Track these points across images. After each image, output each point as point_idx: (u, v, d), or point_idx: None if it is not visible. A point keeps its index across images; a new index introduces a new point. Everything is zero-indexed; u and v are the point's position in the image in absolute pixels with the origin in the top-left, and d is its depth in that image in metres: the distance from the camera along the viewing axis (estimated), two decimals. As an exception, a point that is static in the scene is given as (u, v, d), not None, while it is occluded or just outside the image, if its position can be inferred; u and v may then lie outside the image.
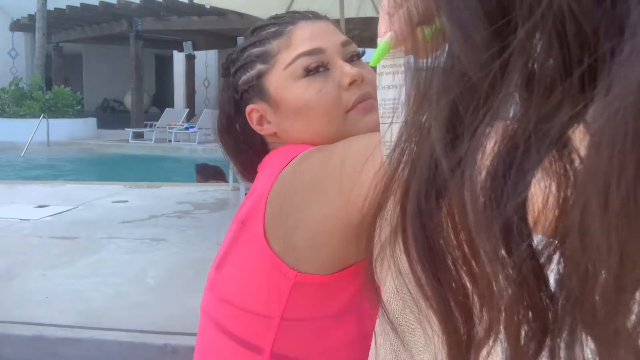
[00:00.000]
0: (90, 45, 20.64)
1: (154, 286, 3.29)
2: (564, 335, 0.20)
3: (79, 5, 14.05)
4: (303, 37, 0.83)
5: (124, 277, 3.40)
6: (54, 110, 13.78)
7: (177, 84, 19.30)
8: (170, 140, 14.02)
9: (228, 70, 0.92)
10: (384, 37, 0.37)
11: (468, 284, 0.23)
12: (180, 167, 10.67)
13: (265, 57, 0.85)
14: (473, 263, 0.22)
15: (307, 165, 0.76)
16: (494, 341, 0.21)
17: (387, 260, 0.27)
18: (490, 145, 0.20)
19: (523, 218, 0.19)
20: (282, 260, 0.75)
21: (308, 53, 0.82)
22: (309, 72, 0.82)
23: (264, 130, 0.88)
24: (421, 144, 0.22)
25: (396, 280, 0.27)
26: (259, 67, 0.86)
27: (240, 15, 11.05)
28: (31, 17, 15.97)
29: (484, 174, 0.20)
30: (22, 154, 11.49)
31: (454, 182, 0.21)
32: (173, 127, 14.18)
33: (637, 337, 0.18)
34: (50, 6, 14.73)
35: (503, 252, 0.20)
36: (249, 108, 0.88)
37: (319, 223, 0.72)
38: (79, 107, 14.90)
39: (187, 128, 14.23)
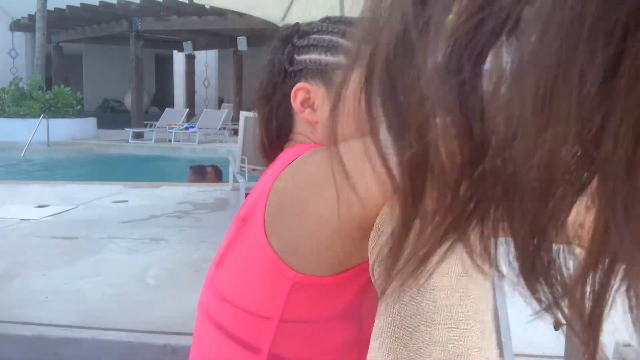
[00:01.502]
0: (90, 45, 20.65)
1: (154, 286, 3.29)
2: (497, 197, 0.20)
3: (79, 5, 14.06)
4: None
5: (124, 277, 3.40)
6: (54, 110, 13.78)
7: (177, 84, 19.31)
8: (170, 140, 14.02)
9: (290, 38, 0.90)
10: None
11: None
12: (180, 167, 10.66)
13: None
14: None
15: (306, 166, 0.76)
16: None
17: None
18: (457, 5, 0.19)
19: (474, 76, 0.19)
20: (281, 259, 0.75)
21: None
22: None
23: (304, 113, 0.87)
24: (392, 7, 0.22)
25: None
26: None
27: (240, 15, 11.05)
28: (31, 17, 15.97)
29: (444, 38, 0.19)
30: (22, 154, 11.48)
31: (420, 40, 0.20)
32: (173, 127, 14.19)
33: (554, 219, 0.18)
34: (50, 6, 14.73)
35: (456, 105, 0.19)
36: (300, 85, 0.87)
37: (317, 224, 0.72)
38: (79, 107, 14.90)
39: (187, 128, 14.24)
